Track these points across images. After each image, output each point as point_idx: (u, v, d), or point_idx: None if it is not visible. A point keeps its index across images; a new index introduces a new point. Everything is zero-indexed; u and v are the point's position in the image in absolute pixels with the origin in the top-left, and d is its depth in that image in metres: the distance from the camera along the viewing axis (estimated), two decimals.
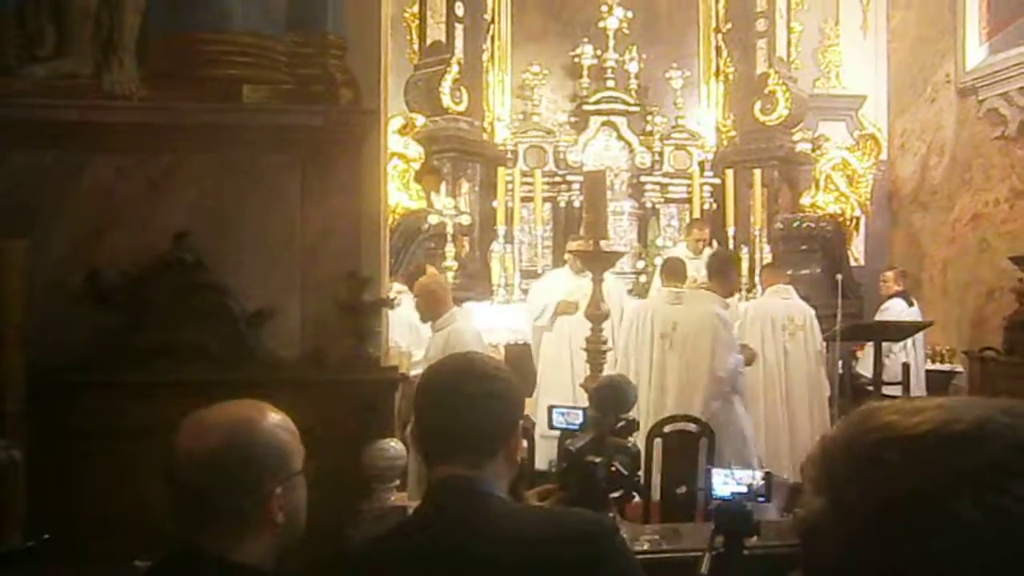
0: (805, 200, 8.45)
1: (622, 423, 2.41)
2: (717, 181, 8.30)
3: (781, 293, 6.14)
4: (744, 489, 2.21)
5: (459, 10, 8.02)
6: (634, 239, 8.33)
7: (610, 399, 2.46)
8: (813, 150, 8.57)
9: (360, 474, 3.35)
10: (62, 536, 2.97)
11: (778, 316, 6.01)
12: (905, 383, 6.58)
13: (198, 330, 3.27)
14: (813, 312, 6.10)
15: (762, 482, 2.21)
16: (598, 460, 2.18)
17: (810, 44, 9.16)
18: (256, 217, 3.52)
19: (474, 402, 1.57)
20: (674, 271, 5.34)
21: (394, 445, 3.40)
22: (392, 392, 3.62)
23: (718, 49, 8.87)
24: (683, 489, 3.57)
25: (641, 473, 4.13)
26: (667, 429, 4.48)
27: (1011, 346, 6.17)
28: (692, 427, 4.53)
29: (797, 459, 5.38)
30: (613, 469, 2.20)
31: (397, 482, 3.51)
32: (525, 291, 7.72)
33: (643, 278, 7.90)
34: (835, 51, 9.26)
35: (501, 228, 7.66)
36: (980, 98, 7.89)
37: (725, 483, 2.22)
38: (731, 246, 7.98)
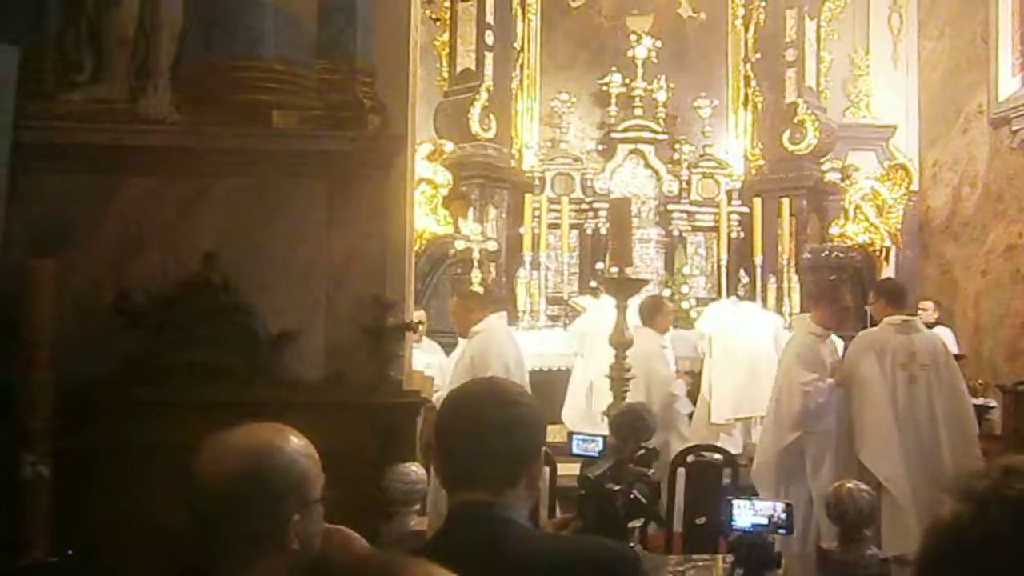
0: (834, 230, 8.37)
1: (642, 451, 2.39)
2: (745, 210, 8.27)
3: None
4: (764, 521, 2.18)
5: (489, 38, 8.11)
6: (661, 267, 8.31)
7: (629, 427, 2.45)
8: (842, 180, 8.51)
9: (380, 498, 3.36)
10: (84, 552, 3.01)
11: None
12: None
13: (222, 350, 3.31)
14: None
15: (783, 514, 2.18)
16: (617, 488, 2.16)
17: (840, 74, 9.13)
18: (283, 240, 3.57)
19: (496, 428, 1.56)
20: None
21: (415, 469, 3.40)
22: (414, 416, 3.63)
23: (747, 78, 8.88)
24: (703, 520, 3.52)
25: (663, 502, 4.11)
26: (690, 459, 4.44)
27: None
28: (716, 457, 4.49)
29: None
30: (632, 497, 2.18)
31: (417, 507, 3.51)
32: (551, 317, 7.74)
33: (670, 305, 7.85)
34: (865, 81, 9.22)
35: (527, 254, 7.68)
36: (1014, 128, 7.81)
37: (745, 514, 2.19)
38: (759, 275, 7.95)
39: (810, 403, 4.45)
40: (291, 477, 1.37)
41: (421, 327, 6.27)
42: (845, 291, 5.71)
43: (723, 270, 8.12)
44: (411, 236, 3.92)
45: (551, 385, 6.41)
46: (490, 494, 1.56)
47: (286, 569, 1.38)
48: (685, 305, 8.02)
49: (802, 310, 7.09)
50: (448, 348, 6.21)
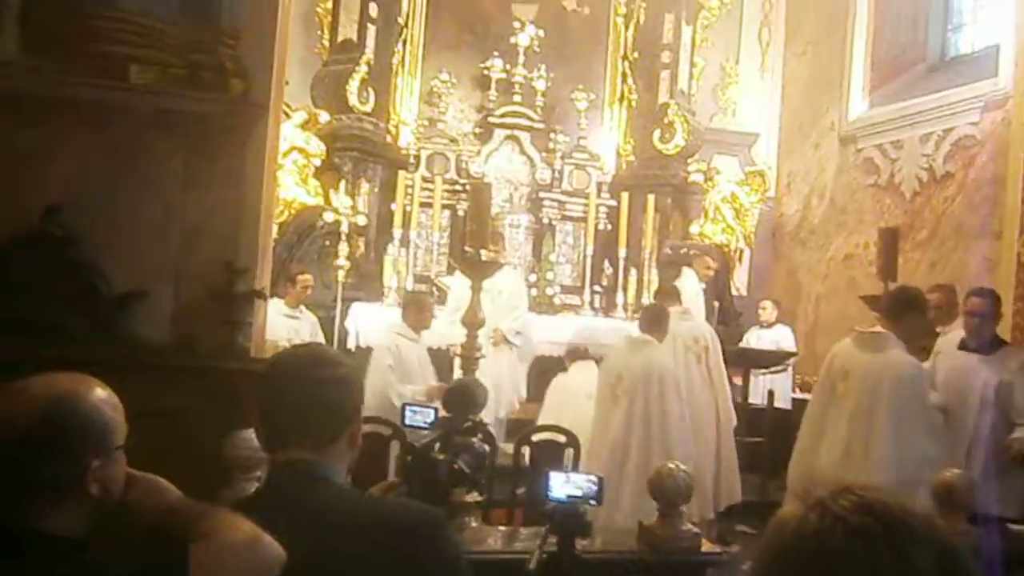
0: (694, 228, 8.79)
1: (469, 423, 2.51)
2: (613, 203, 8.55)
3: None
4: (578, 492, 2.34)
5: (373, 10, 8.04)
6: (529, 253, 8.50)
7: (459, 400, 2.56)
8: (705, 181, 8.92)
9: (222, 462, 3.36)
10: None
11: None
12: (769, 407, 6.93)
13: (63, 308, 3.22)
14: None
15: (595, 486, 2.34)
16: (441, 458, 2.27)
17: (711, 80, 9.55)
18: (134, 199, 3.50)
19: (318, 387, 1.62)
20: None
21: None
22: None
23: (624, 75, 9.15)
24: (522, 489, 3.70)
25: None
26: (535, 438, 4.63)
27: None
28: (560, 438, 4.69)
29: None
30: (456, 467, 2.29)
31: (259, 473, 3.52)
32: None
33: (534, 291, 8.07)
34: (734, 88, 9.69)
35: (397, 231, 7.71)
36: (859, 147, 8.41)
37: (561, 486, 2.35)
38: (621, 267, 8.25)
39: None
40: (92, 423, 1.39)
41: (308, 290, 6.27)
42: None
43: (588, 260, 8.39)
44: (270, 204, 3.90)
45: None
46: (310, 452, 1.62)
47: (87, 513, 1.40)
48: (549, 292, 8.26)
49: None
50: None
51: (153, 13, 3.52)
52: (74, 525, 1.39)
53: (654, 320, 4.85)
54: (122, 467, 1.45)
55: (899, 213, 7.82)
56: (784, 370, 8.15)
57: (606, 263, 8.47)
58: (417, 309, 5.22)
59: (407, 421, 2.61)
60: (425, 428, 2.56)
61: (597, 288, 8.44)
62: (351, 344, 6.72)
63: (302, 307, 6.29)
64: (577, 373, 5.44)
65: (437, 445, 2.45)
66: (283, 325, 5.68)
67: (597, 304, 8.37)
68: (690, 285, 7.23)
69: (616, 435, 4.54)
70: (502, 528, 3.18)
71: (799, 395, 8.24)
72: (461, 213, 8.24)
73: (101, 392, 1.44)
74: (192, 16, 3.55)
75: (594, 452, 4.55)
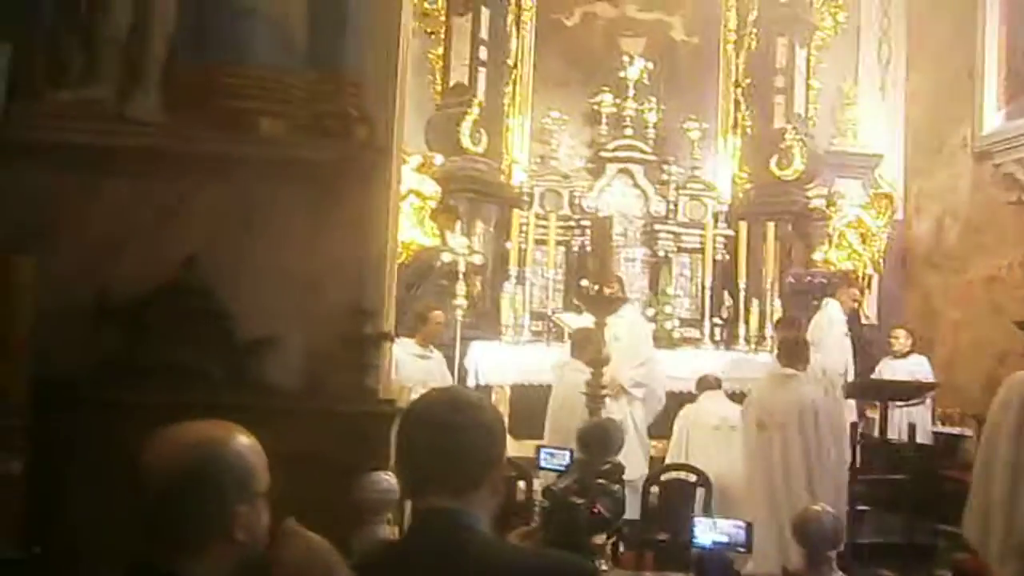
0: (817, 256, 8.45)
1: (607, 466, 2.42)
2: (731, 233, 8.33)
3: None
4: (724, 539, 2.21)
5: (482, 54, 8.17)
6: (645, 286, 8.36)
7: (597, 442, 2.47)
8: (827, 206, 8.59)
9: (351, 506, 3.37)
10: (54, 551, 3.01)
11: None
12: (911, 442, 6.52)
13: (199, 354, 3.33)
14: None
15: (742, 533, 2.21)
16: (580, 502, 2.19)
17: (828, 102, 9.23)
18: (264, 247, 3.60)
19: (460, 433, 1.57)
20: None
21: (387, 478, 3.41)
22: (389, 425, 3.64)
23: (737, 103, 8.97)
24: (664, 537, 3.55)
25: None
26: (664, 477, 4.48)
27: None
28: (691, 477, 4.53)
29: None
30: (595, 511, 2.20)
31: (389, 515, 3.52)
32: (535, 332, 7.75)
33: (652, 325, 7.90)
34: (853, 109, 9.33)
35: (513, 269, 7.72)
36: (996, 163, 7.91)
37: (707, 532, 2.23)
38: (742, 298, 8.00)
39: None
40: (236, 469, 1.41)
41: (440, 327, 6.20)
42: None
43: (707, 292, 8.18)
44: (393, 247, 3.95)
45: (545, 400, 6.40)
46: (453, 500, 1.57)
47: (232, 561, 1.42)
48: (668, 326, 8.07)
49: None
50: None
51: (279, 66, 3.64)
52: (220, 572, 1.41)
53: (795, 351, 4.65)
54: (265, 514, 1.46)
55: None
56: (922, 402, 7.66)
57: (725, 295, 8.23)
58: (589, 344, 5.05)
59: (542, 463, 2.54)
60: (560, 471, 2.48)
61: (717, 320, 8.20)
62: (471, 382, 6.72)
63: (431, 347, 6.17)
64: (705, 402, 5.28)
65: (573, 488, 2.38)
66: (415, 366, 5.61)
67: (718, 337, 8.13)
68: (835, 317, 6.99)
69: (769, 475, 4.34)
70: (646, 574, 3.05)
71: (940, 428, 7.76)
72: (576, 249, 8.19)
73: (245, 439, 1.46)
74: (316, 66, 3.66)
75: (739, 494, 4.36)
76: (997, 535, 3.32)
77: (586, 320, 6.06)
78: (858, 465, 5.85)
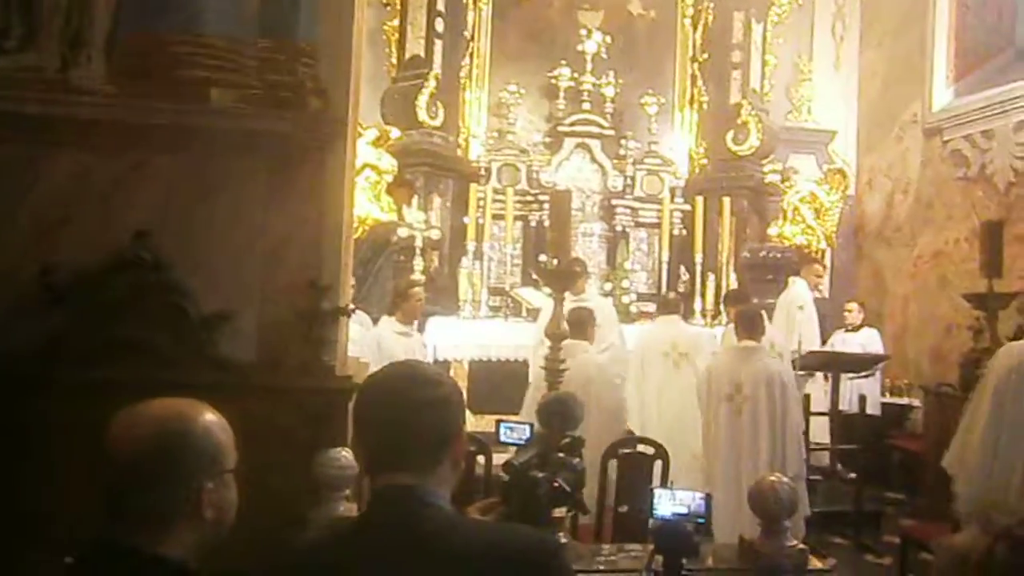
0: (772, 231, 8.56)
1: (567, 440, 2.42)
2: (687, 207, 8.39)
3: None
4: (684, 510, 2.23)
5: (439, 26, 8.07)
6: (603, 261, 8.39)
7: (557, 416, 2.47)
8: (782, 181, 8.69)
9: (310, 482, 3.33)
10: (7, 529, 2.93)
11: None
12: (861, 413, 6.66)
13: (152, 329, 3.25)
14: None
15: (702, 504, 2.23)
16: (541, 476, 2.19)
17: (783, 78, 9.31)
18: (219, 221, 3.51)
19: (420, 408, 1.54)
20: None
21: (345, 455, 3.38)
22: (346, 401, 3.60)
23: (693, 78, 9.00)
24: (624, 508, 3.58)
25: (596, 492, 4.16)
26: (622, 451, 4.50)
27: (966, 382, 6.26)
28: (648, 449, 4.56)
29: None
30: (556, 485, 2.20)
31: (347, 492, 3.49)
32: (493, 308, 7.75)
33: (610, 300, 7.94)
34: (807, 86, 9.43)
35: (471, 244, 7.69)
36: (945, 139, 8.06)
37: (666, 503, 2.24)
38: (698, 273, 8.07)
39: None
40: (204, 446, 1.40)
41: (421, 304, 6.11)
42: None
43: (664, 266, 8.23)
44: (349, 221, 3.89)
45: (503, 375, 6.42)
46: (413, 476, 1.54)
47: (200, 537, 1.41)
48: (625, 300, 8.12)
49: None
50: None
51: (230, 34, 3.54)
52: (187, 549, 1.39)
53: (754, 323, 4.70)
54: (233, 491, 1.44)
55: (993, 206, 7.45)
56: (873, 374, 7.83)
57: (682, 269, 8.30)
58: (586, 325, 5.08)
59: (502, 438, 2.53)
60: (519, 444, 2.48)
61: (673, 295, 8.26)
62: (429, 358, 6.69)
63: (413, 324, 6.04)
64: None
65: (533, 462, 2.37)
66: (399, 345, 5.51)
67: None
68: (805, 295, 7.10)
69: (735, 446, 4.40)
70: (605, 547, 3.08)
71: (889, 399, 7.94)
72: (534, 224, 8.19)
73: (212, 416, 1.45)
74: (269, 35, 3.56)
75: (702, 464, 4.42)
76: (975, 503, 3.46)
77: (545, 297, 6.08)
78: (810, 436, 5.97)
